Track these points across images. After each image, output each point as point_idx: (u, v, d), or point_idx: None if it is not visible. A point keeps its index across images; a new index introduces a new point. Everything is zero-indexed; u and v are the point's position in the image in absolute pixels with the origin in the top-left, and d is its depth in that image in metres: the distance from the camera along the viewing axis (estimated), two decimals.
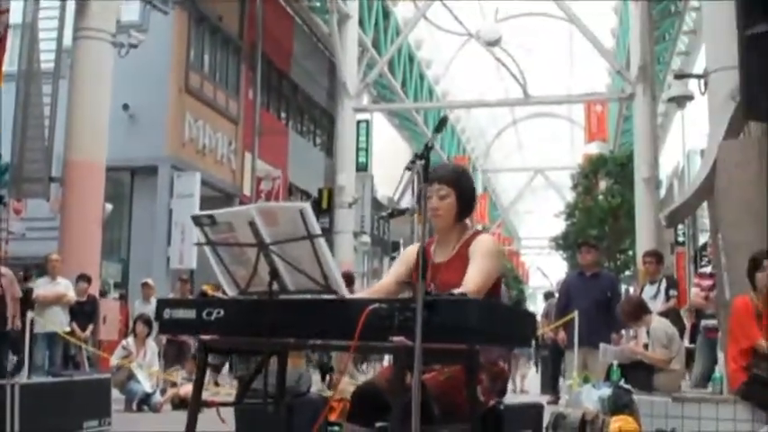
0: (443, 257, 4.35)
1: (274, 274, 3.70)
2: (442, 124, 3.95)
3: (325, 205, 30.15)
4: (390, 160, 38.15)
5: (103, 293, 17.88)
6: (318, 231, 3.57)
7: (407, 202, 38.80)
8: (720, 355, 11.54)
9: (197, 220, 3.81)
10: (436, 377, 3.99)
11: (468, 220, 4.47)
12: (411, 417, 3.31)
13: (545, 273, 45.18)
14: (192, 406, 4.00)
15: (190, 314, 3.95)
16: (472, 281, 4.02)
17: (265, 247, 3.66)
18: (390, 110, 41.31)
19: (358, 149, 32.79)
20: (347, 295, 3.73)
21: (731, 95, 8.57)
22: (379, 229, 38.44)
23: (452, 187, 4.23)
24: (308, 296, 3.73)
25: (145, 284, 16.42)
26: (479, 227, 57.98)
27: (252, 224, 3.62)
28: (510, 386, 17.97)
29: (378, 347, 3.58)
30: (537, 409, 4.57)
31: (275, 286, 3.71)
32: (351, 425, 4.12)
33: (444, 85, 49.97)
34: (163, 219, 21.59)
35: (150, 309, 15.59)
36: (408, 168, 3.58)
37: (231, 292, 3.96)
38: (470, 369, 3.78)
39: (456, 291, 3.67)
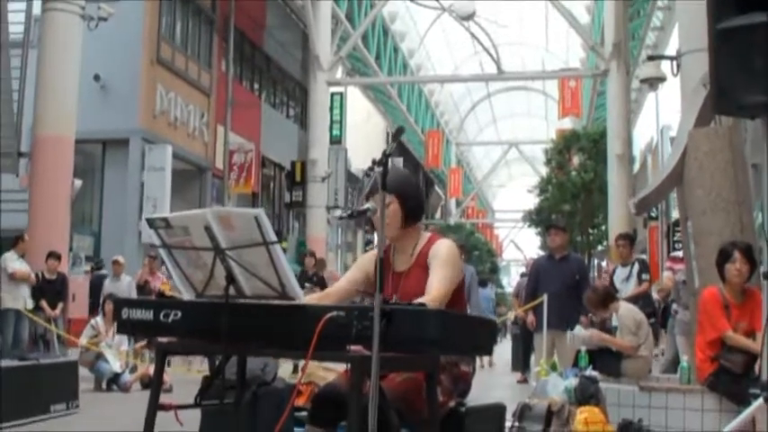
0: (403, 266, 4.34)
1: (231, 278, 3.64)
2: (398, 134, 3.94)
3: (298, 178, 30.13)
4: (365, 133, 38.08)
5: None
6: (274, 238, 3.50)
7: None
8: (680, 340, 11.58)
9: (151, 223, 3.74)
10: (393, 379, 3.95)
11: (420, 224, 4.43)
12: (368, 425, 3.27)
13: (519, 246, 45.37)
14: (150, 409, 3.93)
15: (147, 315, 3.90)
16: (434, 289, 4.02)
17: (221, 252, 3.59)
18: (363, 84, 41.19)
19: (332, 122, 32.68)
20: (304, 302, 3.68)
21: (702, 81, 8.49)
22: (353, 202, 38.41)
23: (394, 194, 4.18)
24: (265, 301, 3.67)
25: (115, 262, 16.26)
26: (453, 200, 58.23)
27: (208, 229, 3.55)
28: (478, 362, 18.17)
29: (335, 356, 3.52)
30: (499, 410, 4.52)
31: (232, 291, 3.65)
32: (312, 427, 4.08)
33: (418, 58, 49.78)
34: (134, 192, 21.45)
35: (120, 286, 15.54)
36: (367, 175, 3.56)
37: (188, 295, 3.91)
38: (430, 377, 3.75)
39: (417, 300, 3.66)
